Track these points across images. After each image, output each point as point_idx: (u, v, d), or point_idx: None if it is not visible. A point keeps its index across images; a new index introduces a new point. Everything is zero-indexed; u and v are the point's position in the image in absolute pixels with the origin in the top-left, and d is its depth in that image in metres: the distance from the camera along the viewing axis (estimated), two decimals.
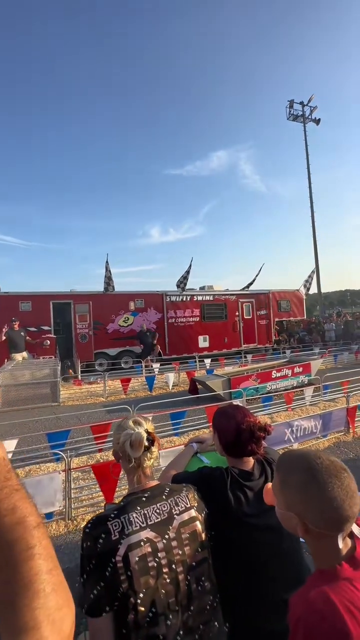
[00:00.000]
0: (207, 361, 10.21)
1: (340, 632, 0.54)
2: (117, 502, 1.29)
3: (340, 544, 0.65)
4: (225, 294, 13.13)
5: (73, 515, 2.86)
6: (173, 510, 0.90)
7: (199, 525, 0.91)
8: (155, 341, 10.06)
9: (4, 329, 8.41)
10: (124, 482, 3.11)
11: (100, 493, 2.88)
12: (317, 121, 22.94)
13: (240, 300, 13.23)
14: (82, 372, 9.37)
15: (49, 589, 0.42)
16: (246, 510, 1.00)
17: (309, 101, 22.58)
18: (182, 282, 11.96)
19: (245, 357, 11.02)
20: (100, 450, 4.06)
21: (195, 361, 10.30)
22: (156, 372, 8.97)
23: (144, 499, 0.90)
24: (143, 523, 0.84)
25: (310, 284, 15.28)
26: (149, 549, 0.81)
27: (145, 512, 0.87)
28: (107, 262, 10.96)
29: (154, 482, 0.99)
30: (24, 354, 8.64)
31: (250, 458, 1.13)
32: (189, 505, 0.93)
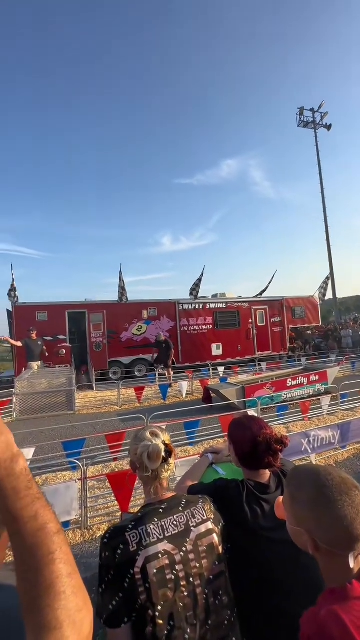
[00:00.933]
0: (221, 369, 10.13)
1: None
2: (133, 511, 1.32)
3: (352, 563, 0.63)
4: (238, 302, 13.07)
5: (89, 524, 2.87)
6: (190, 523, 0.90)
7: (215, 538, 0.91)
8: (170, 352, 9.96)
9: (17, 342, 8.68)
10: (139, 492, 3.12)
11: (116, 502, 2.89)
12: (329, 127, 22.86)
13: (254, 307, 13.13)
14: (96, 380, 9.48)
15: (70, 592, 0.45)
16: (262, 524, 0.99)
17: (320, 107, 22.58)
18: (195, 289, 12.04)
19: (260, 365, 10.88)
20: (115, 459, 4.08)
21: (209, 369, 10.25)
22: (171, 381, 8.98)
23: (161, 510, 0.91)
24: (160, 535, 0.85)
25: (325, 289, 15.01)
26: (167, 561, 0.81)
27: (163, 524, 0.87)
28: (120, 272, 11.18)
29: (171, 494, 1.00)
30: (39, 363, 8.85)
31: (267, 470, 1.13)
32: (205, 517, 0.93)
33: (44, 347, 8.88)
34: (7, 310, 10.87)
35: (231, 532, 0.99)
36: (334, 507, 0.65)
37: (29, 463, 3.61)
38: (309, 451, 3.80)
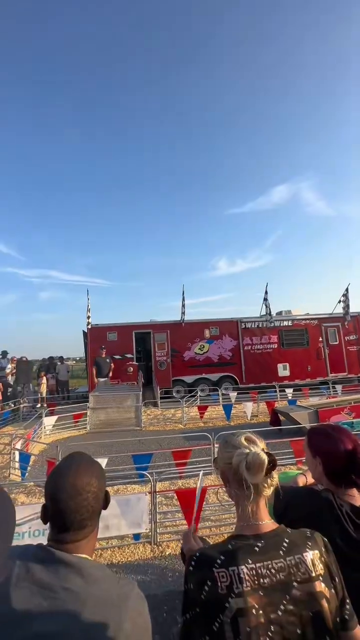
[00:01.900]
0: (289, 391, 9.47)
1: None
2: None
3: None
4: (306, 319, 12.24)
5: (158, 540, 2.88)
6: (292, 577, 0.73)
7: (326, 605, 0.71)
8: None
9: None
10: (206, 513, 3.03)
11: (184, 521, 2.86)
12: None
13: (324, 324, 12.13)
14: (161, 398, 9.72)
15: None
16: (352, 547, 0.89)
17: None
18: (267, 311, 11.58)
19: (334, 387, 9.86)
20: (181, 477, 4.06)
21: (275, 391, 9.67)
22: (233, 402, 8.71)
23: (256, 549, 0.76)
24: (255, 583, 0.72)
25: None
26: (262, 620, 0.69)
27: (258, 569, 0.74)
28: (183, 292, 11.56)
29: (270, 525, 0.83)
30: (107, 379, 9.53)
31: (355, 490, 1.02)
32: (313, 574, 0.74)
33: (112, 364, 9.56)
34: (83, 331, 12.07)
35: None
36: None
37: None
38: None
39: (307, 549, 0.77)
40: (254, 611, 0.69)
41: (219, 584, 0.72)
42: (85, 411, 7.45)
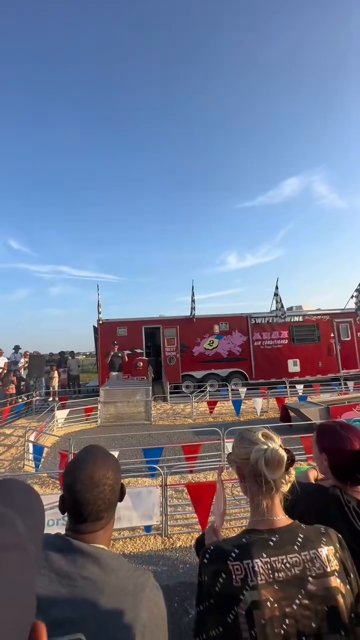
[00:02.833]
0: (299, 387, 9.39)
1: None
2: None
3: None
4: (317, 314, 12.06)
5: (169, 532, 2.92)
6: (307, 572, 0.73)
7: (341, 600, 0.71)
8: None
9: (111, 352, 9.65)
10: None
11: (194, 515, 2.89)
12: None
13: (336, 320, 11.93)
14: (170, 393, 9.77)
15: None
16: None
17: None
18: (278, 307, 11.45)
19: (346, 384, 9.72)
20: (191, 471, 4.10)
21: (286, 387, 9.60)
22: (242, 397, 8.70)
23: (270, 543, 0.77)
24: (270, 577, 0.72)
25: None
26: (277, 613, 0.70)
27: (273, 563, 0.74)
28: (192, 287, 11.53)
29: (285, 521, 0.83)
30: (119, 374, 9.64)
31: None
32: (329, 569, 0.74)
33: (126, 358, 9.68)
34: (93, 326, 12.21)
35: None
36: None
37: None
38: None
39: (322, 545, 0.77)
40: (268, 604, 0.70)
41: (234, 576, 0.72)
42: (96, 405, 7.57)
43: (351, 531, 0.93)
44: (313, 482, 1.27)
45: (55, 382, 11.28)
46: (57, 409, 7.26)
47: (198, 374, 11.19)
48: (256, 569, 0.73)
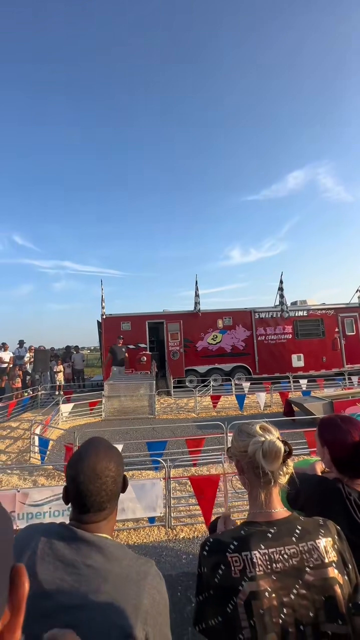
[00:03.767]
0: (303, 382, 9.38)
1: None
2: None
3: None
4: (322, 309, 11.97)
5: (172, 524, 2.96)
6: (305, 562, 0.75)
7: (339, 591, 0.72)
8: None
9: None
10: (219, 501, 3.08)
11: (197, 507, 2.92)
12: None
13: (340, 314, 11.84)
14: (174, 387, 9.82)
15: None
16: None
17: None
18: (281, 301, 11.46)
19: (350, 379, 9.69)
20: (194, 465, 4.14)
21: (289, 381, 9.60)
22: (246, 391, 8.72)
23: (269, 535, 0.78)
24: (268, 568, 0.74)
25: None
26: (275, 603, 0.71)
27: (271, 554, 0.75)
28: (196, 282, 11.50)
29: (283, 513, 0.84)
30: (122, 368, 9.71)
31: None
32: (326, 560, 0.75)
33: (126, 354, 9.71)
34: (97, 321, 12.26)
35: None
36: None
37: None
38: None
39: (320, 536, 0.78)
40: (267, 594, 0.71)
41: (233, 568, 0.74)
42: (100, 399, 7.64)
43: (351, 523, 0.94)
44: (319, 472, 1.29)
45: (61, 377, 11.39)
46: (62, 403, 7.35)
47: (202, 369, 11.22)
48: (254, 560, 0.74)
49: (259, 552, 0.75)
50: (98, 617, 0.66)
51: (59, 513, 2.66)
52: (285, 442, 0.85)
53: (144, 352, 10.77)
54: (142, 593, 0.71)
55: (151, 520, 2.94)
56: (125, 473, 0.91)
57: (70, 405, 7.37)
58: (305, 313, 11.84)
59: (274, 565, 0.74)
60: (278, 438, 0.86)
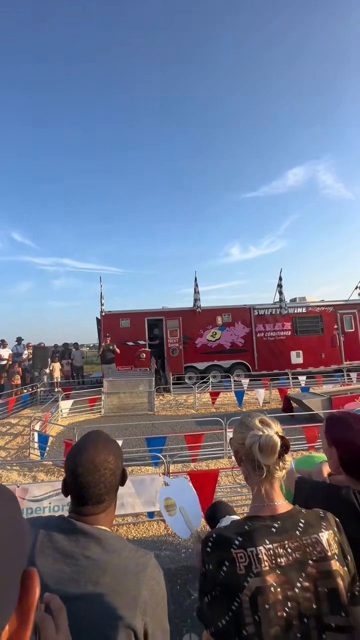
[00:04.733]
0: (302, 378, 9.41)
1: None
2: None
3: None
4: (321, 305, 11.99)
5: None
6: (308, 555, 0.75)
7: (340, 583, 0.73)
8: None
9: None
10: (219, 495, 3.11)
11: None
12: None
13: (339, 311, 11.85)
14: (173, 384, 9.84)
15: None
16: None
17: None
18: (280, 298, 11.49)
19: (349, 375, 9.72)
20: (194, 460, 4.15)
21: (288, 378, 9.62)
22: (245, 388, 8.74)
23: (273, 529, 0.78)
24: (272, 563, 0.74)
25: None
26: (279, 597, 0.71)
27: (275, 549, 0.75)
28: (195, 279, 11.48)
29: (285, 507, 0.84)
30: (112, 365, 9.74)
31: None
32: (329, 553, 0.76)
33: (117, 350, 9.74)
34: (96, 318, 12.25)
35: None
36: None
37: None
38: None
39: (323, 529, 0.79)
40: (272, 589, 0.71)
41: (238, 564, 0.73)
42: (99, 396, 7.65)
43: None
44: (326, 475, 1.22)
45: (57, 374, 11.40)
46: (62, 400, 7.36)
47: (201, 366, 11.23)
48: (260, 556, 0.74)
49: (264, 548, 0.75)
50: (97, 608, 0.66)
51: (59, 508, 2.67)
52: (282, 437, 0.85)
53: (143, 348, 10.77)
54: (141, 584, 0.71)
55: (150, 515, 2.96)
56: (124, 467, 0.91)
57: (70, 401, 7.39)
58: (304, 310, 11.85)
59: (279, 559, 0.74)
60: (277, 433, 0.86)
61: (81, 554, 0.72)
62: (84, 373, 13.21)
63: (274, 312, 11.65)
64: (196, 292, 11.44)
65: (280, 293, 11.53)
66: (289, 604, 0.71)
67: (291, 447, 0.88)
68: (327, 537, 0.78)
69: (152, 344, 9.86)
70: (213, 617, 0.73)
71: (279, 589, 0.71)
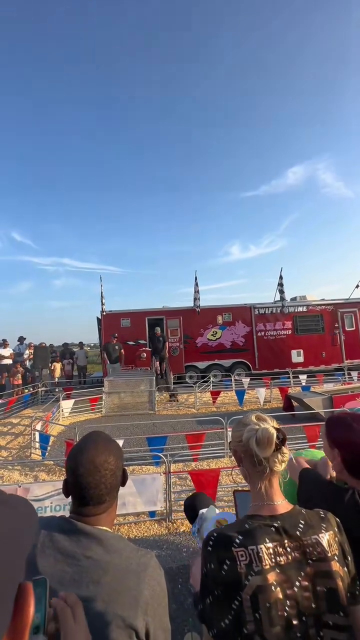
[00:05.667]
0: (303, 377, 9.41)
1: None
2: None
3: None
4: (321, 304, 11.97)
5: (173, 518, 2.99)
6: (307, 556, 0.76)
7: (340, 584, 0.73)
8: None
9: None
10: (220, 494, 3.11)
11: None
12: None
13: (340, 310, 11.84)
14: (174, 383, 9.84)
15: None
16: None
17: None
18: (281, 297, 11.50)
19: (350, 374, 9.71)
20: (194, 459, 4.16)
21: (289, 377, 9.62)
22: (246, 387, 8.74)
23: (273, 529, 0.78)
24: (272, 562, 0.74)
25: None
26: (280, 596, 0.72)
27: (275, 547, 0.76)
28: (195, 278, 11.48)
29: (286, 507, 0.84)
30: (116, 365, 9.77)
31: None
32: (329, 554, 0.76)
33: (121, 351, 9.77)
34: (97, 318, 12.26)
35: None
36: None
37: None
38: None
39: (323, 530, 0.79)
40: (272, 588, 0.71)
41: (239, 562, 0.73)
42: (100, 395, 7.66)
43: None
44: (332, 473, 1.19)
45: (57, 374, 11.40)
46: (63, 400, 7.37)
47: (201, 365, 11.23)
48: (261, 554, 0.74)
49: (265, 546, 0.75)
50: (99, 608, 0.67)
51: (60, 507, 2.68)
52: (278, 429, 0.86)
53: (143, 348, 10.77)
54: (142, 584, 0.72)
55: (152, 514, 2.97)
56: (125, 467, 0.92)
57: (71, 401, 7.40)
58: (304, 309, 11.84)
59: (278, 558, 0.74)
60: (272, 426, 0.87)
61: (82, 554, 0.72)
62: (86, 372, 13.24)
63: (274, 311, 11.64)
64: (196, 291, 11.44)
65: (281, 292, 11.53)
66: (288, 602, 0.71)
67: (292, 447, 0.88)
68: (328, 538, 0.78)
69: (155, 347, 9.88)
70: (215, 618, 0.73)
71: (279, 588, 0.72)
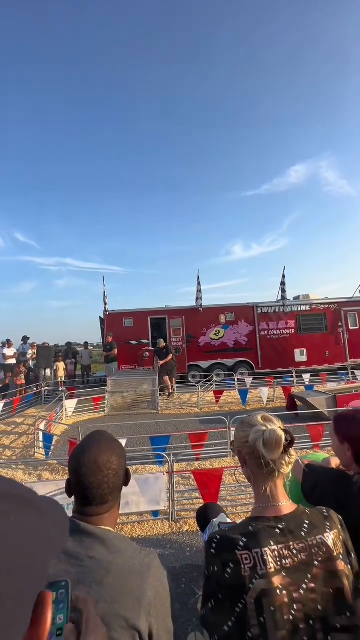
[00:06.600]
0: (306, 376, 9.36)
1: None
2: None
3: None
4: (325, 303, 11.90)
5: (176, 517, 2.98)
6: (313, 557, 0.74)
7: (346, 583, 0.73)
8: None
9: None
10: (223, 494, 3.10)
11: (200, 500, 2.94)
12: None
13: (344, 309, 11.76)
14: (177, 383, 9.82)
15: None
16: None
17: None
18: (283, 296, 11.47)
19: (353, 373, 9.65)
20: (197, 459, 4.15)
21: (292, 376, 9.58)
22: (249, 386, 8.71)
23: (278, 531, 0.77)
24: (278, 564, 0.72)
25: None
26: (285, 600, 0.70)
27: (280, 550, 0.74)
28: (198, 278, 11.46)
29: (290, 507, 0.82)
30: (114, 364, 9.79)
31: None
32: (334, 553, 0.75)
33: (115, 350, 9.79)
34: (100, 317, 12.28)
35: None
36: None
37: None
38: None
39: (327, 530, 0.78)
40: (278, 591, 0.70)
41: (243, 565, 0.72)
42: (103, 395, 7.67)
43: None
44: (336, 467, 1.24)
45: (61, 373, 11.43)
46: (66, 399, 7.39)
47: (204, 364, 11.22)
48: (265, 557, 0.73)
49: (269, 549, 0.74)
50: (102, 609, 0.66)
51: (64, 507, 2.69)
52: (286, 431, 0.84)
53: (146, 347, 10.78)
54: (145, 585, 0.71)
55: (155, 513, 2.97)
56: (128, 467, 0.91)
57: (74, 401, 7.41)
58: (308, 307, 11.78)
59: (284, 561, 0.73)
60: (280, 427, 0.85)
61: (85, 554, 0.72)
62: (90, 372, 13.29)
63: (277, 310, 11.59)
64: (199, 290, 11.42)
65: (284, 291, 11.48)
66: (295, 606, 0.70)
67: (296, 446, 0.87)
68: (332, 537, 0.77)
69: (159, 349, 9.73)
70: (217, 622, 0.72)
71: (284, 592, 0.70)
